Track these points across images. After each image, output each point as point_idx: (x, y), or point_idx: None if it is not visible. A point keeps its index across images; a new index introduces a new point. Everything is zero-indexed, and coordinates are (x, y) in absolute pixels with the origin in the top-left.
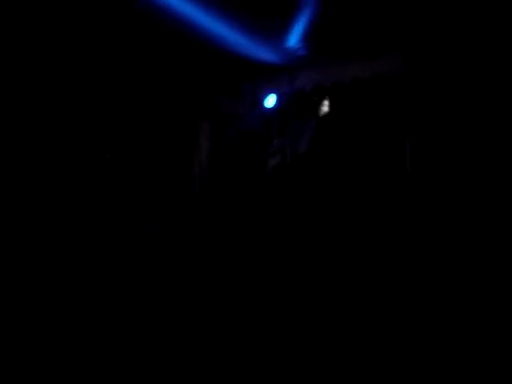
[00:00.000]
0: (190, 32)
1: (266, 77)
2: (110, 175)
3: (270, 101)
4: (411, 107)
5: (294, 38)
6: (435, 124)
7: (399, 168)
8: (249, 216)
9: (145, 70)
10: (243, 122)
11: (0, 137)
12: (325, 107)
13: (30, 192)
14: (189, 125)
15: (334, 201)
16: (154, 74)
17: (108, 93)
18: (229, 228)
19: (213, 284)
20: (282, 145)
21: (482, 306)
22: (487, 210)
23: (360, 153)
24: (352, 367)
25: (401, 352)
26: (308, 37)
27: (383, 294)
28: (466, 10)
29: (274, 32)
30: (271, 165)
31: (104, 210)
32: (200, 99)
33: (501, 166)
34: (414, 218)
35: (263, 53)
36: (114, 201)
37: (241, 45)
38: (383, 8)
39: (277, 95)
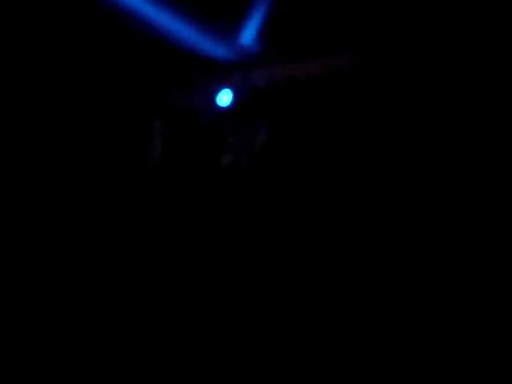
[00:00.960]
0: (141, 25)
1: (220, 73)
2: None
3: (224, 98)
4: (364, 103)
5: (248, 34)
6: (389, 120)
7: (354, 163)
8: (198, 214)
9: (93, 65)
10: (196, 119)
11: None
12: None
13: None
14: (141, 121)
15: (289, 197)
16: (103, 69)
17: (50, 90)
18: (179, 225)
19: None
20: (236, 143)
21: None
22: (437, 202)
23: (316, 149)
24: (351, 367)
25: (396, 350)
26: (262, 33)
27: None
28: (417, 6)
29: (228, 27)
30: (224, 163)
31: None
32: (151, 95)
33: (448, 156)
34: (368, 213)
35: (217, 48)
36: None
37: (193, 40)
38: (336, 5)
39: (231, 92)
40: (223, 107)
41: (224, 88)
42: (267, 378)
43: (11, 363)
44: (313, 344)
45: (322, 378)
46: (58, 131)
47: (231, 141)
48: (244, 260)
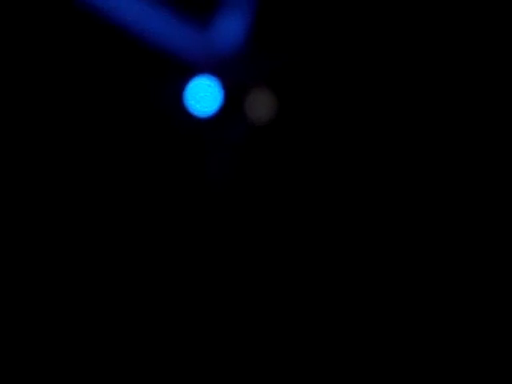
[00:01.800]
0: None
1: (193, 79)
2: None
3: (199, 106)
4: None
5: (224, 38)
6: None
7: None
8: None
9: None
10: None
11: None
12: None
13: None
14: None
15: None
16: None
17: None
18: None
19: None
20: (217, 155)
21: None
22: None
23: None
24: (351, 367)
25: (396, 350)
26: (241, 36)
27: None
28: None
29: (205, 30)
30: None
31: None
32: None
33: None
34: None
35: (189, 52)
36: None
37: (165, 42)
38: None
39: (206, 100)
40: (198, 116)
41: (198, 96)
42: (267, 378)
43: (11, 363)
44: (312, 344)
45: (321, 378)
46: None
47: (212, 154)
48: (243, 260)
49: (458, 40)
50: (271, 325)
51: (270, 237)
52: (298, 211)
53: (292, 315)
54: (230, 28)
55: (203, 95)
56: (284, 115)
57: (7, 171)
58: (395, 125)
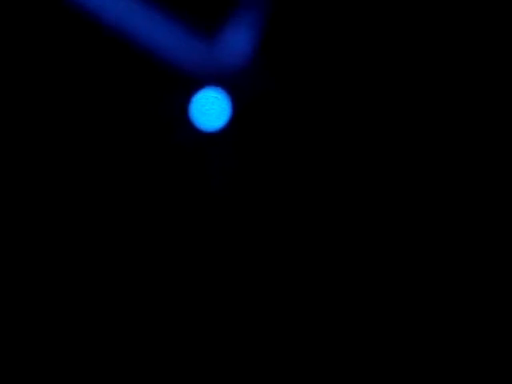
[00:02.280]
0: (118, 34)
1: (200, 92)
2: None
3: (206, 120)
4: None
5: (231, 50)
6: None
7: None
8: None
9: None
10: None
11: None
12: None
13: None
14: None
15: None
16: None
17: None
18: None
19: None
20: (222, 169)
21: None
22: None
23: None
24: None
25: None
26: (249, 49)
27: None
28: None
29: (210, 42)
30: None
31: None
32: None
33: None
34: None
35: (197, 63)
36: None
37: (172, 53)
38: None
39: (213, 114)
40: (205, 131)
41: (205, 110)
42: (267, 378)
43: (11, 363)
44: (312, 344)
45: (321, 378)
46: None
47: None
48: (241, 260)
49: (457, 40)
50: (272, 327)
51: (272, 248)
52: (302, 220)
53: (293, 316)
54: (238, 41)
55: (210, 108)
56: (288, 127)
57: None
58: (394, 129)
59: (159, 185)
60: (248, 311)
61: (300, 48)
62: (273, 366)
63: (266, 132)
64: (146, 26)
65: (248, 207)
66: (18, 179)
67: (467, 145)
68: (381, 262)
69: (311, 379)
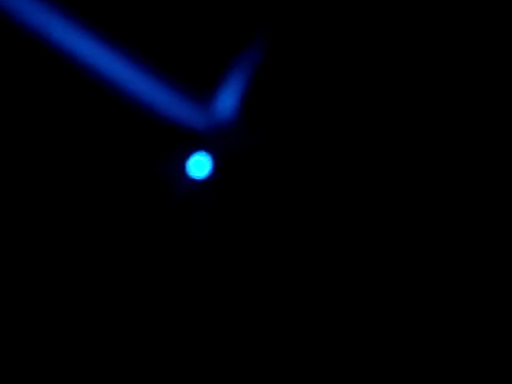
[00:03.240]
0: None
1: (194, 143)
2: None
3: (199, 170)
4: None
5: (224, 104)
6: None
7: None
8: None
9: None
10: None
11: None
12: None
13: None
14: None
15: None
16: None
17: None
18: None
19: None
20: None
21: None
22: None
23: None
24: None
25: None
26: (239, 104)
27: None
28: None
29: (204, 96)
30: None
31: None
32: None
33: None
34: None
35: (191, 118)
36: None
37: (166, 107)
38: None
39: (205, 164)
40: (196, 180)
41: (199, 157)
42: (267, 378)
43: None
44: (312, 344)
45: (321, 378)
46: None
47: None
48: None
49: (457, 40)
50: (269, 326)
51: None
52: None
53: (288, 316)
54: (229, 102)
55: (200, 164)
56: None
57: None
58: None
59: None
60: (244, 307)
61: (283, 108)
62: (271, 364)
63: (249, 182)
64: (141, 85)
65: (230, 242)
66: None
67: (467, 145)
68: (377, 259)
69: (311, 379)
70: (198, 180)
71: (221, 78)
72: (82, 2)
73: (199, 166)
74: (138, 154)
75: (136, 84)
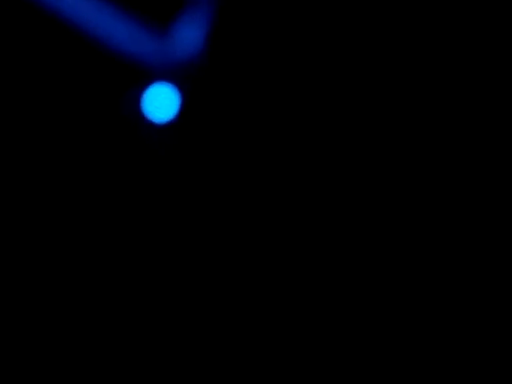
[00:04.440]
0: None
1: (151, 86)
2: None
3: (158, 114)
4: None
5: (183, 45)
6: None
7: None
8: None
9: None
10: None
11: None
12: None
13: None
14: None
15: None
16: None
17: None
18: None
19: None
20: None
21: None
22: None
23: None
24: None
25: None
26: (203, 45)
27: None
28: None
29: (164, 35)
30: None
31: None
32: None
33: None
34: None
35: (149, 58)
36: None
37: (125, 44)
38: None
39: (165, 107)
40: (156, 124)
41: (157, 103)
42: (267, 378)
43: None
44: (311, 344)
45: (321, 378)
46: None
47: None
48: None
49: (456, 40)
50: (264, 324)
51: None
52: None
53: (283, 314)
54: (190, 35)
55: (160, 102)
56: (235, 121)
57: None
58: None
59: (110, 177)
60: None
61: (249, 44)
62: (269, 364)
63: (213, 124)
64: (99, 19)
65: (193, 195)
66: None
67: (467, 144)
68: (373, 259)
69: (311, 379)
70: (158, 123)
71: (182, 8)
72: None
73: (159, 107)
74: (92, 95)
75: (87, 14)
